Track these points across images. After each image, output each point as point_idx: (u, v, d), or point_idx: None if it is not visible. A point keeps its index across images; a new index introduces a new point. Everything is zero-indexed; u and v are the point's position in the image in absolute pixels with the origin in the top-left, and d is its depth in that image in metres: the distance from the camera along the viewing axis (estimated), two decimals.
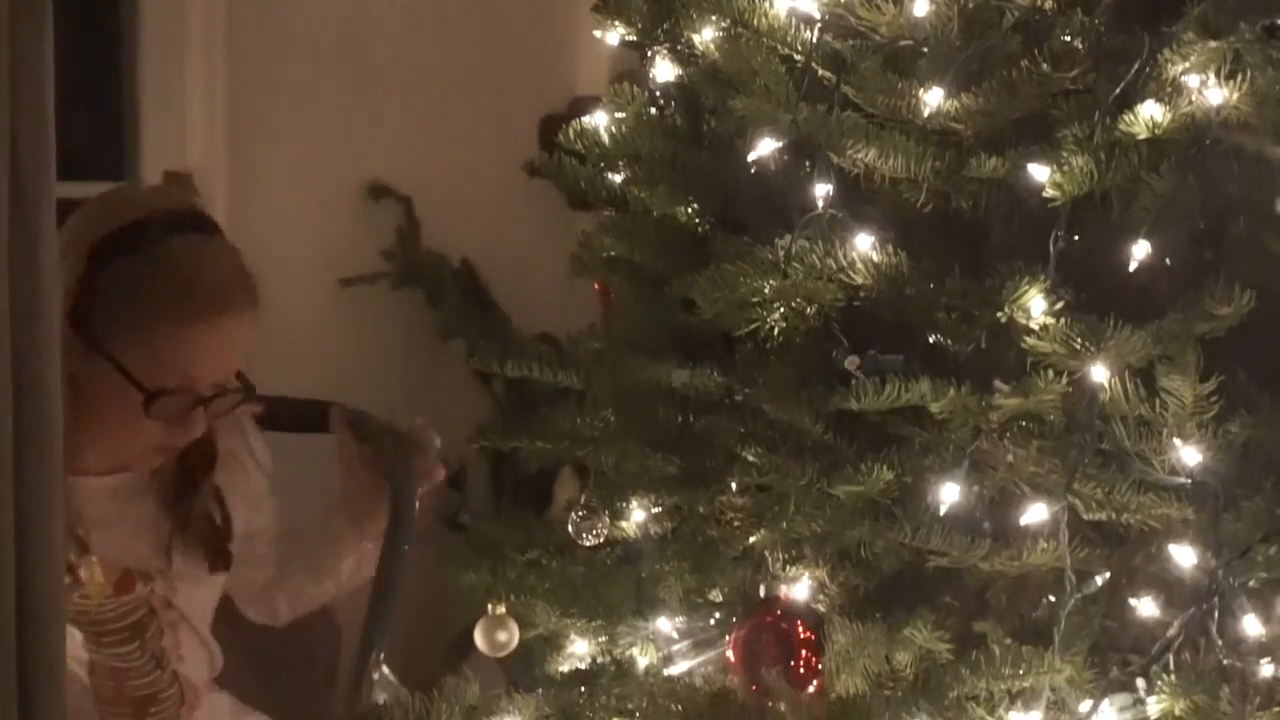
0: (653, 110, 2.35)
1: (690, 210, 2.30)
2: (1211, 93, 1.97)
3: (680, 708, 2.15)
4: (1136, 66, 2.01)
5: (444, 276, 4.42)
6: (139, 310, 2.28)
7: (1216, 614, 2.01)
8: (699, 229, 2.29)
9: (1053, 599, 2.11)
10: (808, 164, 2.19)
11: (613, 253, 2.33)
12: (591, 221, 2.47)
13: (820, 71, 2.15)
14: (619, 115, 2.34)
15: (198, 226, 2.44)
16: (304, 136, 4.48)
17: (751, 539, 2.27)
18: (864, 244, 2.09)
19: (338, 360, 4.12)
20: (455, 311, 4.43)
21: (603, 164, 2.37)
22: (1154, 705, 2.00)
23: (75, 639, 2.38)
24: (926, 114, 2.07)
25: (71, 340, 2.20)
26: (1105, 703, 2.04)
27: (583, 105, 4.57)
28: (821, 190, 2.11)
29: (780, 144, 2.14)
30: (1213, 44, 1.96)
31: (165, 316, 2.28)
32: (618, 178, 2.38)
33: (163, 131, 4.40)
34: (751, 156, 2.14)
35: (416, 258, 4.45)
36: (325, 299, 4.46)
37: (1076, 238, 2.06)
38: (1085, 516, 2.04)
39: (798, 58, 2.16)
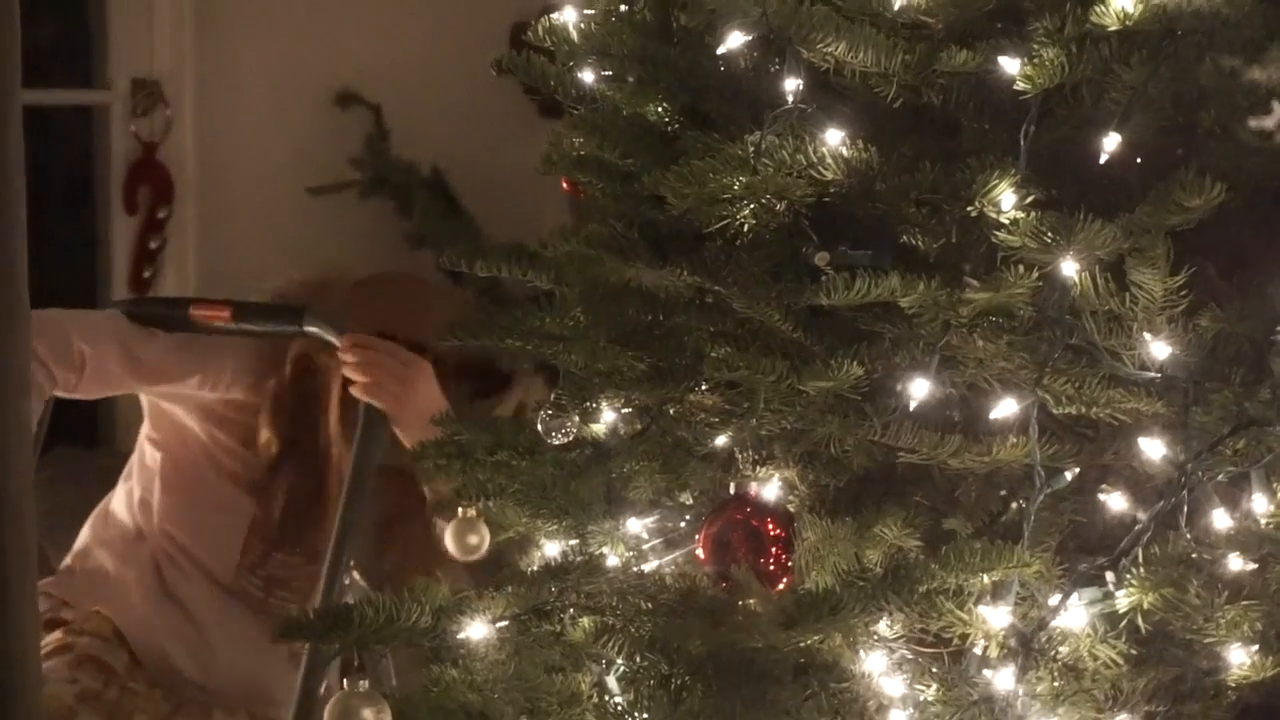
0: (622, 7, 2.32)
1: (660, 107, 2.27)
2: None
3: (650, 604, 2.15)
4: None
5: (413, 185, 4.41)
6: None
7: (1185, 508, 2.01)
8: (668, 125, 2.27)
9: (1024, 502, 2.10)
10: (777, 59, 2.16)
11: (581, 151, 2.31)
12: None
13: None
14: (588, 12, 2.30)
15: None
16: (272, 43, 4.46)
17: (721, 438, 2.26)
18: (834, 139, 2.07)
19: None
20: (425, 219, 4.42)
21: (571, 62, 2.35)
22: (1123, 598, 2.00)
23: None
24: (897, 6, 2.06)
25: None
26: (1074, 596, 2.04)
27: (554, 9, 4.55)
28: (791, 85, 2.09)
29: (749, 38, 2.11)
30: None
31: None
32: (587, 75, 2.35)
33: (130, 38, 4.38)
34: (720, 50, 2.12)
35: (386, 166, 4.43)
36: (294, 207, 4.44)
37: (1048, 130, 2.04)
38: (1055, 411, 2.04)
39: None
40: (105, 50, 4.40)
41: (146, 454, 3.37)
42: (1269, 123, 2.06)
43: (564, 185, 2.45)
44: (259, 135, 4.44)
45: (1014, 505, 2.15)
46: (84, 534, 3.44)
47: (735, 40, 2.09)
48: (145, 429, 3.38)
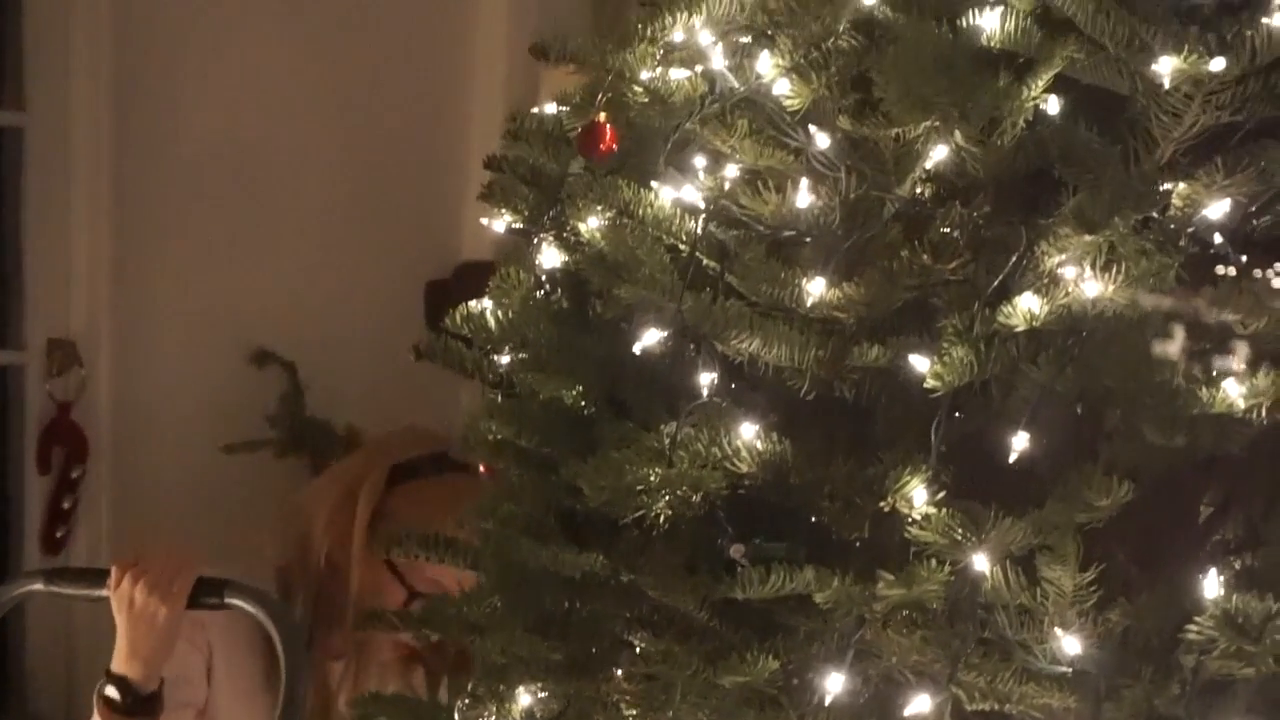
0: (539, 294, 2.36)
1: (577, 393, 2.31)
2: (1088, 285, 2.00)
3: None
4: (1014, 258, 2.05)
5: (328, 444, 4.42)
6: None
7: None
8: (585, 411, 2.30)
9: None
10: (693, 347, 2.21)
11: (498, 436, 2.34)
12: (477, 389, 2.49)
13: (705, 260, 2.17)
14: (505, 300, 2.35)
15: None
16: (188, 302, 4.48)
17: None
18: (748, 432, 2.10)
19: (221, 529, 4.11)
20: None
21: (489, 347, 2.38)
22: None
23: None
24: (809, 303, 2.10)
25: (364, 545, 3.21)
26: None
27: (469, 271, 4.61)
28: (706, 379, 2.13)
29: (666, 333, 2.15)
30: (1088, 238, 2.00)
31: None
32: (505, 359, 2.38)
33: (47, 298, 4.39)
34: (637, 348, 2.16)
35: (301, 424, 4.45)
36: (209, 466, 4.44)
37: (959, 422, 2.08)
38: (968, 708, 2.05)
39: (682, 247, 2.18)
40: (21, 310, 4.41)
41: None
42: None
43: (481, 468, 2.47)
44: (174, 394, 4.45)
45: None
46: None
47: (652, 336, 2.13)
48: None
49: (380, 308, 4.56)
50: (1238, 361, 2.05)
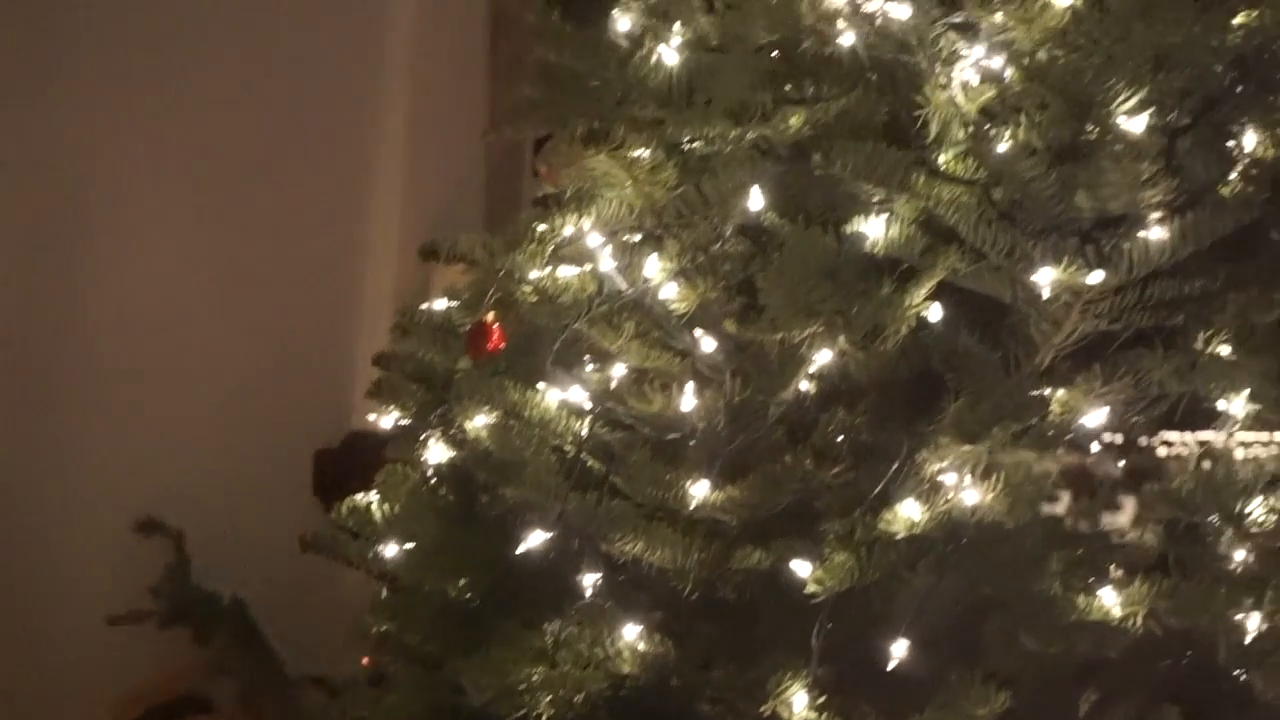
0: (426, 489, 2.37)
1: (461, 588, 2.31)
2: (968, 492, 2.03)
3: None
4: (896, 465, 2.07)
5: (214, 616, 4.36)
6: None
7: None
8: (470, 608, 2.30)
9: None
10: (578, 546, 2.21)
11: (384, 631, 2.33)
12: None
13: (590, 461, 2.18)
14: (391, 494, 2.35)
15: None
16: (71, 469, 4.43)
17: None
18: (631, 633, 2.11)
19: (103, 703, 4.04)
20: (225, 649, 4.36)
21: (375, 540, 2.38)
22: None
23: None
24: (693, 505, 2.11)
25: None
26: None
27: (357, 441, 4.59)
28: (590, 578, 2.14)
29: (551, 533, 2.16)
30: (967, 447, 2.03)
31: None
32: (391, 552, 2.38)
33: None
34: (521, 549, 2.16)
35: (186, 595, 4.39)
36: (92, 637, 4.37)
37: (841, 628, 2.10)
38: None
39: (568, 448, 2.20)
40: None
41: None
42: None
43: (364, 661, 2.47)
44: (56, 565, 4.39)
45: None
46: None
47: (537, 538, 2.14)
48: None
49: (269, 476, 4.52)
50: (1114, 569, 2.08)
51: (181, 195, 4.40)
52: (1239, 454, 2.16)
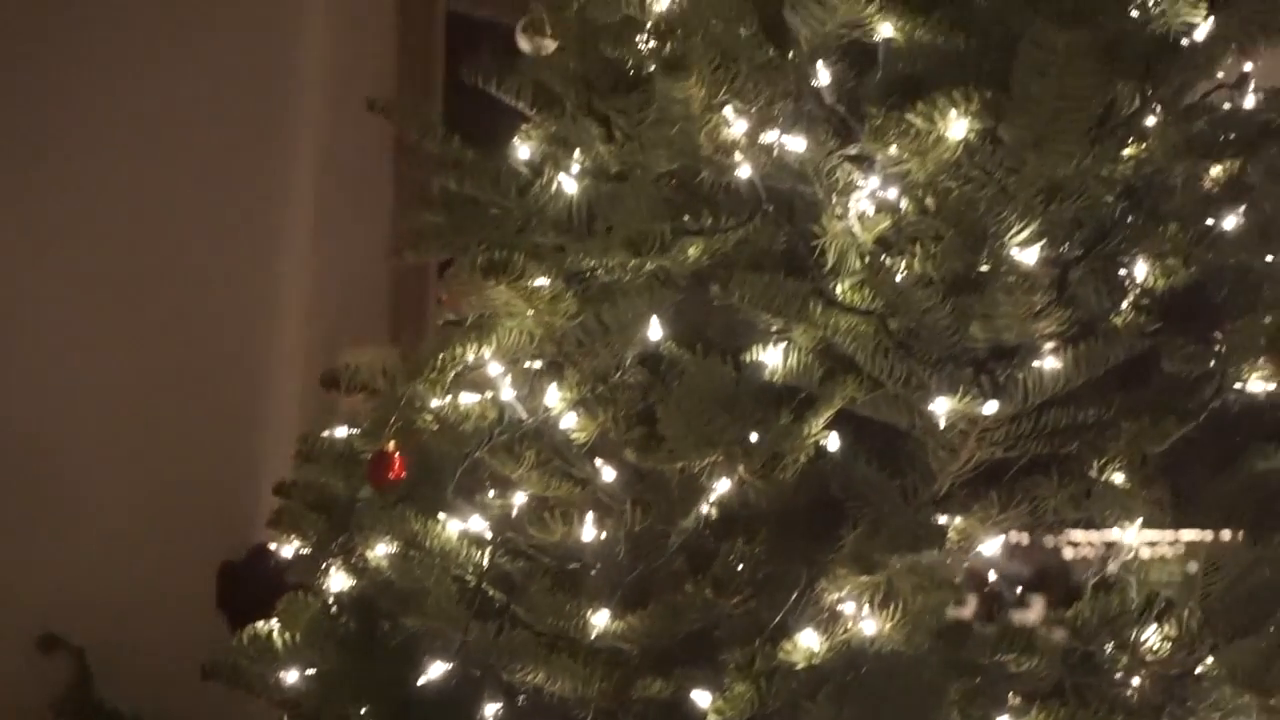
0: (327, 617, 2.36)
1: (363, 716, 2.30)
2: (866, 622, 2.04)
3: None
4: (795, 595, 2.08)
5: None
6: None
7: None
8: None
9: None
10: (478, 672, 2.21)
11: None
12: None
13: (491, 591, 2.19)
14: (292, 622, 2.34)
15: None
16: None
17: None
18: None
19: None
20: None
21: (276, 666, 2.37)
22: None
23: None
24: (594, 634, 2.12)
25: None
26: None
27: (263, 553, 4.56)
28: (491, 709, 2.14)
29: (452, 663, 2.16)
30: (865, 577, 2.04)
31: None
32: (292, 678, 2.37)
33: None
34: (422, 680, 2.16)
35: (89, 713, 4.35)
36: None
37: None
38: None
39: (469, 577, 2.20)
40: None
41: None
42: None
43: None
44: None
45: None
46: None
47: (438, 669, 2.14)
48: None
49: (173, 590, 4.49)
50: (1012, 697, 2.09)
51: (82, 305, 4.39)
52: (1145, 553, 2.19)
